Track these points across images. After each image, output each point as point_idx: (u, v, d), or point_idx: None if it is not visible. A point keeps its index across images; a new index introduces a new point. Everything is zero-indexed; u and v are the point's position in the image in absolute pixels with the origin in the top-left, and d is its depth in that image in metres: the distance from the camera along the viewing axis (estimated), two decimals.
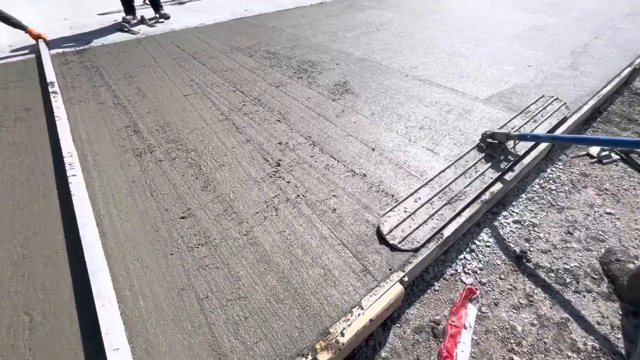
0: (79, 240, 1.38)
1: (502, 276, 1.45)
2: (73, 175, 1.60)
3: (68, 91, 2.57)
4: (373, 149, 1.90)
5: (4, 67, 3.07)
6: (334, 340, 1.03)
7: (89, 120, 2.21)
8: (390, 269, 1.25)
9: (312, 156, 1.85)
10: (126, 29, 4.02)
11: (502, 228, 1.66)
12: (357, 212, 1.50)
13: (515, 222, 1.69)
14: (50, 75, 2.66)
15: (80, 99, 2.47)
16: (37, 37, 3.34)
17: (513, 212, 1.75)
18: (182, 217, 1.48)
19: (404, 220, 1.46)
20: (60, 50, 3.41)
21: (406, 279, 1.22)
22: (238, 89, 2.60)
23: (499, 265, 1.50)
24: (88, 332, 1.08)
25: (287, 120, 2.19)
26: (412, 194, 1.59)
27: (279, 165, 1.79)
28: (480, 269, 1.48)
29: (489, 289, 1.41)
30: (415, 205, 1.53)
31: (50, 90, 2.42)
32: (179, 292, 1.18)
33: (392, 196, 1.58)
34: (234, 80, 2.74)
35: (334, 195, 1.59)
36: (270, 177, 1.71)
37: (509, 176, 1.70)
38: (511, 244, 1.59)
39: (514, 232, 1.65)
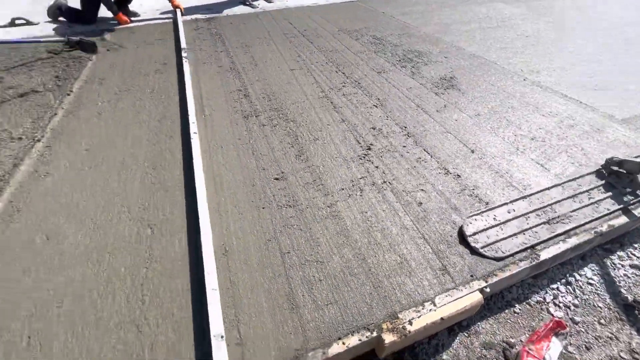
0: (192, 179, 1.61)
1: (603, 321, 1.26)
2: (194, 133, 1.86)
3: (196, 53, 2.95)
4: (472, 151, 1.78)
5: (151, 27, 3.65)
6: (401, 326, 1.04)
7: (209, 80, 2.51)
8: (471, 276, 1.19)
9: (404, 146, 1.82)
10: (248, 3, 4.38)
11: (614, 269, 1.43)
12: (444, 211, 1.44)
13: (633, 266, 1.44)
14: (183, 42, 3.07)
15: (204, 61, 2.82)
16: (176, 6, 3.87)
17: (633, 255, 1.48)
18: (276, 179, 1.61)
19: (491, 227, 1.36)
20: (194, 17, 3.91)
21: (488, 290, 1.15)
22: (340, 70, 2.65)
23: (600, 308, 1.31)
24: (190, 254, 1.28)
25: (384, 106, 2.18)
26: (505, 204, 1.46)
27: (369, 149, 1.80)
28: (575, 306, 1.31)
29: (582, 329, 1.24)
30: (508, 215, 1.41)
31: (183, 55, 2.80)
32: (266, 242, 1.31)
33: (487, 204, 1.48)
34: (338, 61, 2.80)
35: (422, 190, 1.55)
36: (360, 158, 1.74)
37: (639, 212, 1.43)
38: (622, 290, 1.36)
39: (629, 277, 1.40)
